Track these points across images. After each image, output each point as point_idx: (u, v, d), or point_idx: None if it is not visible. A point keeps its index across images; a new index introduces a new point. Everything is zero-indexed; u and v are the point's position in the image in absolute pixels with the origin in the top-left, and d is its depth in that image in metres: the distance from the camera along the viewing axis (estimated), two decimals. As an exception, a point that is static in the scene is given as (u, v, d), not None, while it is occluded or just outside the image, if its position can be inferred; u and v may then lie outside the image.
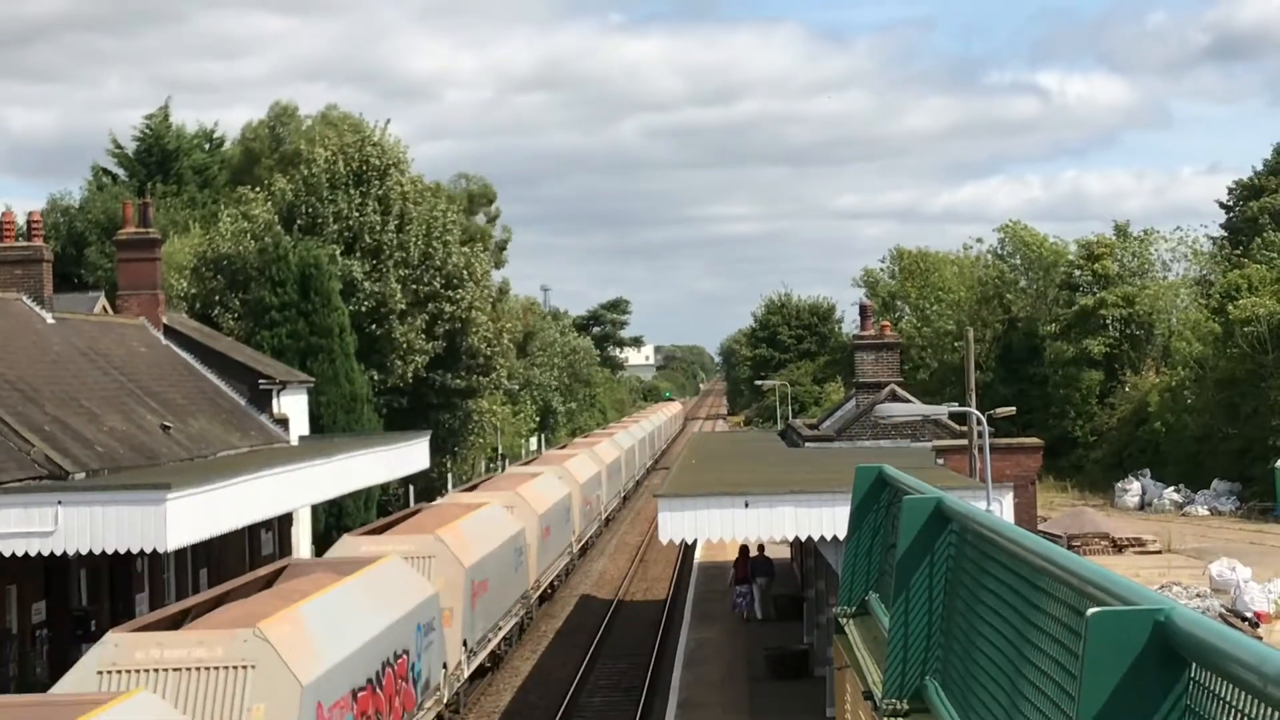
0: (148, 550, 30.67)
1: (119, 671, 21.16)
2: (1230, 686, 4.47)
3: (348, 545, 34.68)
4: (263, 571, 29.86)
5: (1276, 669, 4.09)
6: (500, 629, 40.97)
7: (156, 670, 21.18)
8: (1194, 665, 4.83)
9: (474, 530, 38.83)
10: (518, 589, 44.21)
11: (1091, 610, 5.11)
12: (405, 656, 27.31)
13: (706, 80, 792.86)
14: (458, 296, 70.01)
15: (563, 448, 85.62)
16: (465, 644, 35.04)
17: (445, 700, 32.00)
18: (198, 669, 21.25)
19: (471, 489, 53.68)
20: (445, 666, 31.88)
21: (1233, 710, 4.44)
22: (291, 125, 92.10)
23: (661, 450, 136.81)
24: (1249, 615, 41.59)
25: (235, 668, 21.20)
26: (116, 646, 21.49)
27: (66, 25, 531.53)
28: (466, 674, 35.57)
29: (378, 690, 25.23)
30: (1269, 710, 4.16)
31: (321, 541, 52.66)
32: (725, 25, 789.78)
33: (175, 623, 23.53)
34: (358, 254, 67.73)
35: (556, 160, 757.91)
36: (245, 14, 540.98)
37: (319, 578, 27.84)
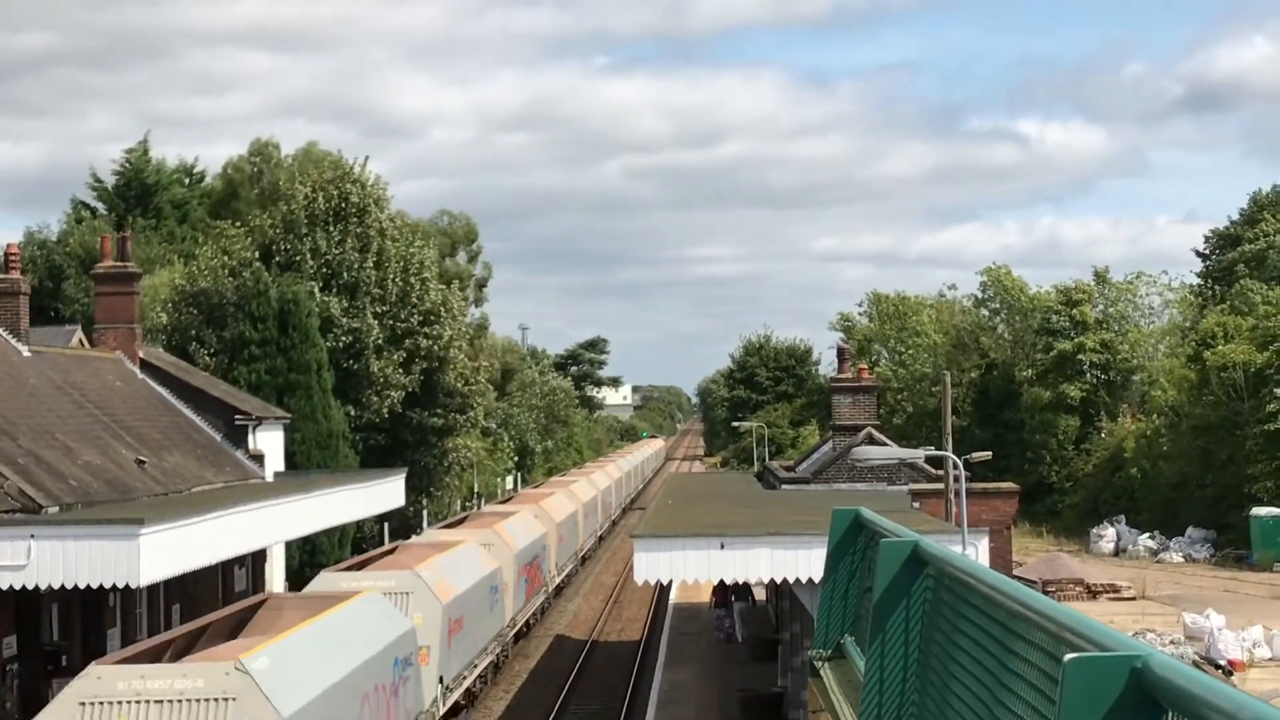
0: (120, 585, 30.50)
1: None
2: (1207, 734, 4.45)
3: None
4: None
5: (1253, 716, 4.07)
6: None
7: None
8: (1171, 712, 4.81)
9: (301, 647, 24.12)
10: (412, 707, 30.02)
11: (1069, 656, 5.10)
12: None
13: (690, 123, 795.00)
14: (435, 333, 69.99)
15: (504, 502, 69.06)
16: None
17: None
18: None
19: (361, 565, 39.20)
20: None
21: (1209, 758, 4.42)
22: (273, 161, 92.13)
23: (638, 489, 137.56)
24: (1223, 663, 41.59)
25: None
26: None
27: (54, 61, 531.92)
28: None
29: None
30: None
31: (295, 578, 52.44)
32: (709, 69, 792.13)
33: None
34: (335, 291, 67.71)
35: (539, 199, 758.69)
36: (236, 52, 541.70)
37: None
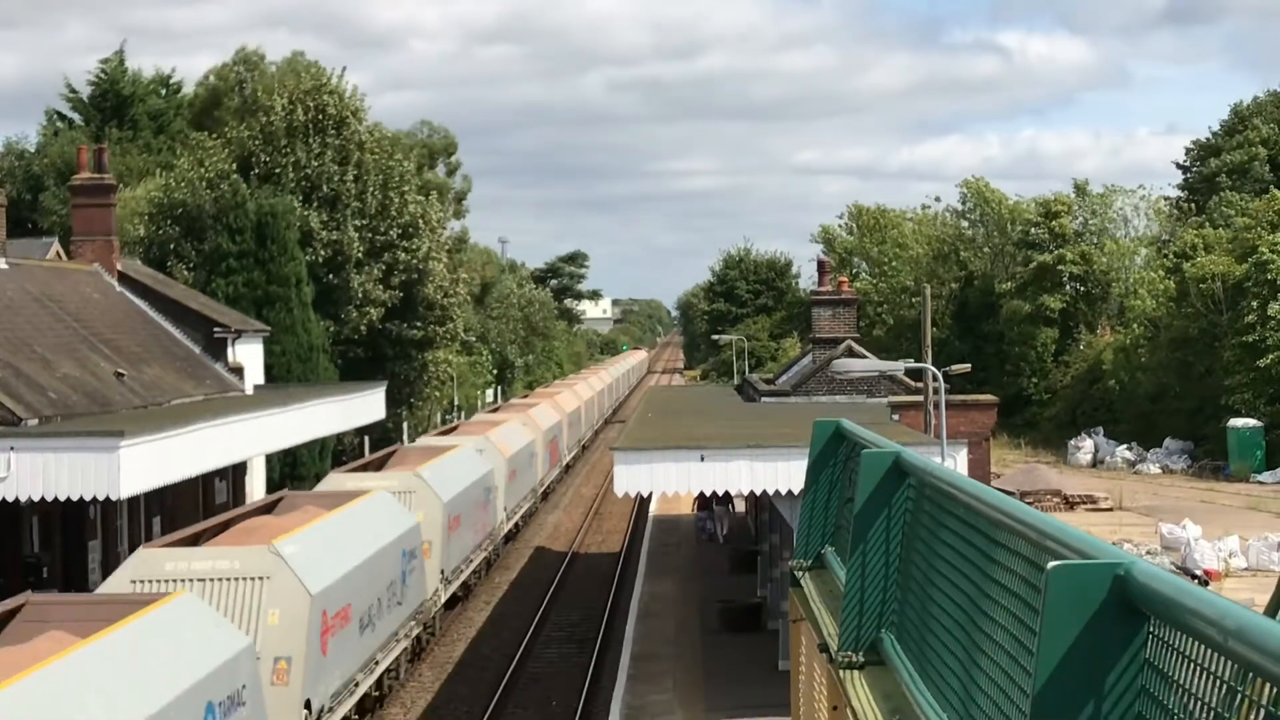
0: (101, 497, 30.53)
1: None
2: (1190, 640, 4.46)
3: None
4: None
5: (1237, 623, 4.08)
6: None
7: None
8: (1153, 619, 4.82)
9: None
10: None
11: (1051, 564, 5.10)
12: None
13: (672, 34, 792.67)
14: (414, 246, 69.72)
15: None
16: None
17: None
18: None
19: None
20: None
21: (1192, 664, 4.44)
22: (257, 71, 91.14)
23: (624, 397, 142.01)
24: (1198, 573, 41.91)
25: None
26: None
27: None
28: None
29: None
30: (1229, 664, 4.15)
31: (275, 490, 52.44)
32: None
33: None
34: (315, 204, 67.34)
35: (519, 113, 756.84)
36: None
37: None
